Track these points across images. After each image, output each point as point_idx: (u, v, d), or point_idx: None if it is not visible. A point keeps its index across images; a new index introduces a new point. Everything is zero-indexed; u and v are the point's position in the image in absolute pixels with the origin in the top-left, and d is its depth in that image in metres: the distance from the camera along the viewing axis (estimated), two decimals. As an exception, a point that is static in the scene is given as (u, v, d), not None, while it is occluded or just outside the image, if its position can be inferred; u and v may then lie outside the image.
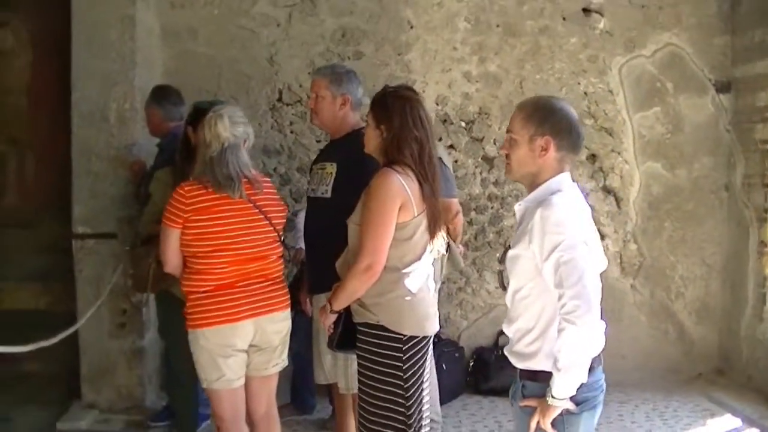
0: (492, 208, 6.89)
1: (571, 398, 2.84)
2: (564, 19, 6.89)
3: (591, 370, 2.87)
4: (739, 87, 7.00)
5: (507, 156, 3.06)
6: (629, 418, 6.03)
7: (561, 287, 2.75)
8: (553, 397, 2.80)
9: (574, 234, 2.80)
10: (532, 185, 3.00)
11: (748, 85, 6.83)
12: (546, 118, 2.96)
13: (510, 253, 2.98)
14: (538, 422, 2.85)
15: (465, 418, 6.03)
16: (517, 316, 2.98)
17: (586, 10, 6.93)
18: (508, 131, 3.07)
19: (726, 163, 7.09)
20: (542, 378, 2.86)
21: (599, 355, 2.97)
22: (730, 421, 6.00)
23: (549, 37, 6.87)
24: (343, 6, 6.66)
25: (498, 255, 6.76)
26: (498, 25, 6.82)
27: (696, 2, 7.03)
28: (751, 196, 6.74)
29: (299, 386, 5.96)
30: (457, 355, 6.56)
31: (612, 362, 6.56)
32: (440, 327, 6.17)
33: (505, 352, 3.12)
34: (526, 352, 2.95)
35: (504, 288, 3.58)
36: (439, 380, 5.45)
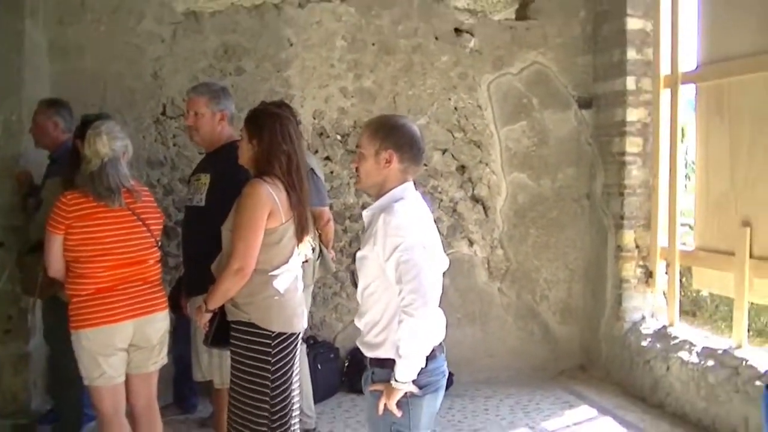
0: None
1: (415, 382, 3.20)
2: (436, 38, 7.28)
3: (432, 357, 3.25)
4: (599, 103, 7.50)
5: (357, 169, 3.42)
6: (494, 412, 6.42)
7: (401, 283, 3.12)
8: (396, 380, 3.16)
9: (412, 237, 3.17)
10: (379, 194, 3.36)
11: (608, 101, 7.33)
12: (389, 134, 3.32)
13: (359, 254, 3.34)
14: (385, 404, 3.21)
15: (339, 415, 6.34)
16: (366, 310, 3.34)
17: (457, 30, 7.33)
18: (357, 146, 3.43)
19: (587, 173, 7.59)
20: (389, 365, 3.22)
21: (441, 343, 3.35)
22: (587, 411, 6.45)
23: (422, 55, 7.24)
24: (227, 24, 6.89)
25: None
26: (374, 44, 7.16)
27: (561, 24, 7.52)
28: (610, 205, 7.25)
29: (181, 387, 6.21)
30: (332, 355, 6.87)
31: (481, 361, 7.12)
32: (316, 330, 6.54)
33: (357, 343, 3.48)
34: (374, 342, 3.31)
35: (355, 285, 3.92)
36: (314, 380, 5.80)
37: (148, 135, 6.76)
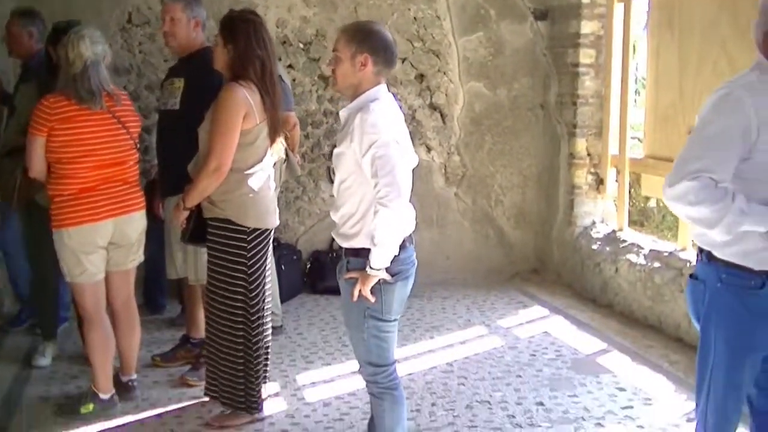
0: (327, 122, 7.40)
1: (388, 270, 3.45)
2: None
3: (403, 247, 3.49)
4: (554, 15, 7.69)
5: (333, 71, 3.60)
6: (451, 310, 6.74)
7: (376, 177, 3.34)
8: (371, 268, 3.40)
9: (387, 134, 3.38)
10: (354, 95, 3.55)
11: (563, 14, 7.51)
12: (365, 38, 3.50)
13: (336, 150, 3.55)
14: (360, 290, 3.46)
15: (303, 314, 6.63)
16: (342, 203, 3.56)
17: None
18: (334, 50, 3.61)
19: (542, 83, 7.82)
20: (363, 254, 3.45)
21: (411, 235, 3.60)
22: (539, 310, 6.80)
23: None
24: (191, -68, 6.92)
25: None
26: None
27: (520, -63, 7.67)
28: (563, 113, 7.51)
29: (151, 288, 6.43)
30: (295, 257, 7.13)
31: (438, 263, 7.41)
32: (279, 233, 6.74)
33: (333, 234, 3.71)
34: (349, 233, 3.54)
35: (331, 181, 4.11)
36: (279, 281, 6.03)
37: (114, 43, 6.77)
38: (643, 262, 6.33)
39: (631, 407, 4.83)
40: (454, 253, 7.72)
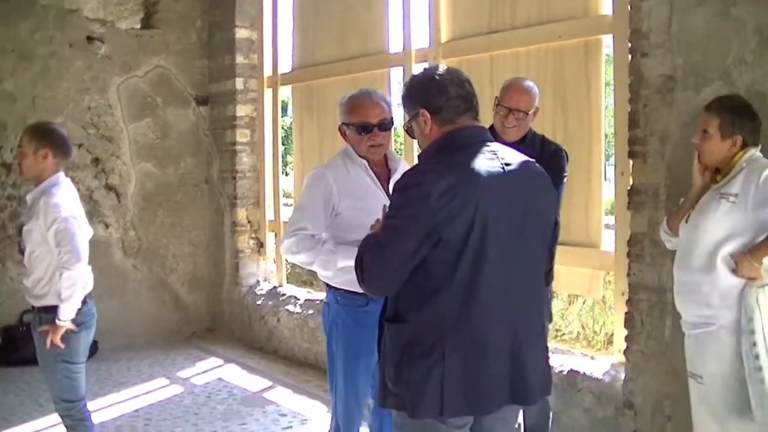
0: (11, 206, 7.74)
1: (73, 321, 4.24)
2: (71, 45, 7.99)
3: (84, 302, 4.32)
4: (214, 100, 8.73)
5: (19, 164, 4.38)
6: (136, 369, 7.42)
7: (59, 246, 4.16)
8: (59, 320, 4.19)
9: (66, 212, 4.21)
10: (38, 182, 4.34)
11: (221, 99, 8.59)
12: (44, 136, 4.33)
13: (25, 228, 4.33)
14: (51, 339, 4.22)
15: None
16: (33, 270, 4.33)
17: (89, 38, 8.09)
18: (19, 146, 4.39)
19: (205, 161, 8.80)
20: (52, 310, 4.23)
21: (90, 292, 4.41)
22: (215, 361, 7.67)
23: (58, 61, 7.91)
24: None
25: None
26: (13, 50, 7.71)
27: (180, 32, 8.60)
28: (225, 187, 8.56)
29: None
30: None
31: (121, 329, 8.13)
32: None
33: (27, 298, 4.45)
34: (40, 294, 4.30)
35: (22, 252, 4.78)
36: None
37: None
38: (299, 310, 7.41)
39: (291, 427, 5.83)
40: (136, 319, 8.34)
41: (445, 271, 2.73)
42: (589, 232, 5.37)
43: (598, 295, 5.91)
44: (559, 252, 4.95)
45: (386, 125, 3.91)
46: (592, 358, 5.56)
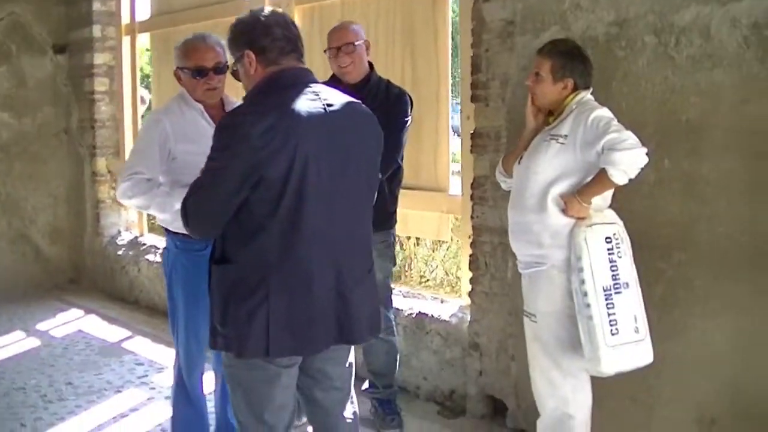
0: None
1: None
2: None
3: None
4: (72, 49, 8.54)
5: None
6: (-5, 325, 7.34)
7: None
8: None
9: None
10: None
11: (78, 47, 8.41)
12: None
13: None
14: None
15: None
16: None
17: None
18: None
19: (64, 111, 8.63)
20: None
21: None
22: (76, 313, 7.61)
23: None
24: None
25: None
26: None
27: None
28: (84, 137, 8.42)
29: None
30: None
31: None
32: None
33: None
34: None
35: None
36: None
37: None
38: (160, 260, 7.38)
39: (147, 375, 5.86)
40: (-6, 273, 8.23)
41: (267, 210, 2.78)
42: (438, 177, 5.47)
43: (446, 237, 6.05)
44: (409, 196, 5.09)
45: (221, 68, 3.91)
46: (442, 301, 5.71)
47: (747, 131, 3.55)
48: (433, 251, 8.46)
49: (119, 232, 8.35)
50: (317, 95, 2.90)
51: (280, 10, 3.05)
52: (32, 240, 8.56)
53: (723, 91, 3.61)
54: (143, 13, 8.11)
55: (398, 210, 4.70)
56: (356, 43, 4.40)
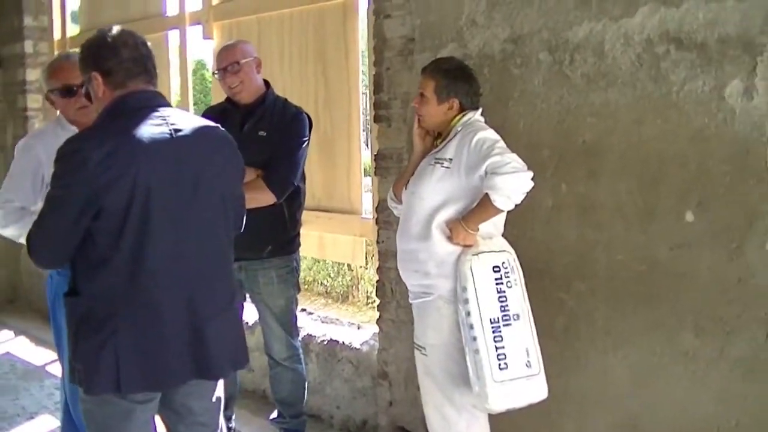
0: None
1: None
2: None
3: None
4: (6, 64, 8.35)
5: None
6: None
7: None
8: None
9: None
10: None
11: (11, 63, 8.22)
12: None
13: None
14: None
15: None
16: None
17: None
18: None
19: (1, 127, 8.44)
20: None
21: None
22: (6, 334, 7.46)
23: None
24: None
25: None
26: None
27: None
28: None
29: None
30: None
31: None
32: None
33: None
34: None
35: None
36: None
37: None
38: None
39: (63, 402, 5.67)
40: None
41: (110, 241, 2.65)
42: (351, 199, 5.30)
43: (361, 262, 5.87)
44: (323, 219, 4.94)
45: (88, 86, 3.77)
46: (359, 327, 5.53)
47: (642, 153, 3.40)
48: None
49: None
50: (164, 120, 2.76)
51: (130, 29, 2.86)
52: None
53: (618, 112, 3.46)
54: (74, 28, 7.93)
55: (316, 233, 4.52)
56: (242, 62, 4.20)
